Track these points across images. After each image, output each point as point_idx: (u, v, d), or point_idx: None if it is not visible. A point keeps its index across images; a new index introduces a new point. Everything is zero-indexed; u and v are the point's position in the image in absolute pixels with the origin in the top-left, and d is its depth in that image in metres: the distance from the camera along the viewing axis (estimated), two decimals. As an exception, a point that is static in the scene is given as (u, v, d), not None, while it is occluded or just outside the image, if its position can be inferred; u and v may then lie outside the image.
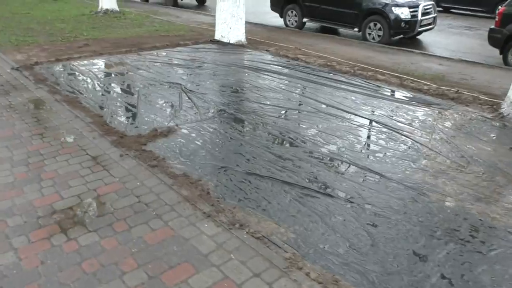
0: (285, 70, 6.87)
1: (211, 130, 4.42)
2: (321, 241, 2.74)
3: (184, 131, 4.38)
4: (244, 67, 7.00)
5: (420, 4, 10.22)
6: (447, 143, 4.29)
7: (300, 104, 5.27)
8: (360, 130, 4.55)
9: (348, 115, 4.95)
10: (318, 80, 6.34)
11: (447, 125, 4.78)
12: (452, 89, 6.21)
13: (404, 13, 9.98)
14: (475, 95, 5.99)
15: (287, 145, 4.13)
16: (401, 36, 10.43)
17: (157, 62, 7.13)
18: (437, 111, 5.20)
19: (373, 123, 4.76)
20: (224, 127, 4.50)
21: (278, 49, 8.64)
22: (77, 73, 6.34)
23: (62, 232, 2.73)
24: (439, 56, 8.91)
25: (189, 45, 8.60)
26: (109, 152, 3.82)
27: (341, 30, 11.71)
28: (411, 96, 5.80)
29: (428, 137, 4.41)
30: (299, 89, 5.86)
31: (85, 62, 7.00)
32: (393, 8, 10.02)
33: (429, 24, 10.69)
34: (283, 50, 8.59)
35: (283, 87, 5.92)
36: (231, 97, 5.47)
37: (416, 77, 6.89)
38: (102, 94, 5.45)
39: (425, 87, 6.28)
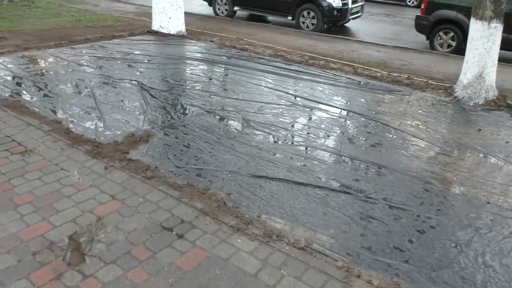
0: (240, 62, 6.62)
1: (193, 130, 4.06)
2: (361, 243, 2.64)
3: (164, 133, 3.97)
4: (196, 60, 6.61)
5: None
6: (425, 129, 4.44)
7: (272, 98, 5.09)
8: (342, 122, 4.53)
9: (324, 107, 4.90)
10: (278, 72, 6.21)
11: (416, 111, 4.96)
12: (403, 75, 6.49)
13: (335, 1, 10.21)
14: (424, 80, 6.32)
15: (279, 142, 3.95)
16: (333, 24, 10.73)
17: (97, 56, 6.43)
18: (401, 98, 5.38)
19: (351, 113, 4.76)
20: (205, 126, 4.17)
21: (221, 39, 8.33)
22: (6, 72, 5.44)
23: (71, 268, 2.27)
24: (374, 43, 9.30)
25: (125, 37, 7.90)
26: (89, 165, 3.30)
27: (272, 18, 11.67)
28: (372, 83, 5.94)
29: (406, 124, 4.53)
30: (264, 82, 5.67)
31: (11, 58, 6.05)
32: (326, -3, 10.20)
33: (358, 12, 11.12)
34: (227, 40, 8.30)
35: (246, 80, 5.69)
36: (197, 93, 5.10)
37: (363, 64, 7.09)
38: (49, 96, 4.73)
39: (378, 75, 6.49)
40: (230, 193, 3.06)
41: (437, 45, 9.09)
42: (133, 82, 5.31)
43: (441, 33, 8.99)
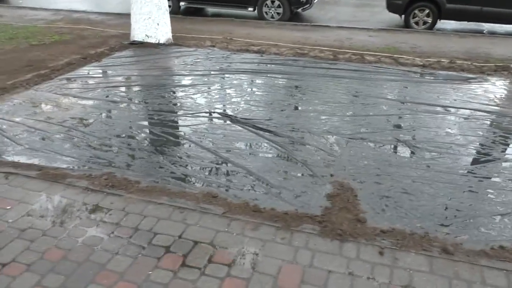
0: (282, 68, 5.77)
1: (389, 174, 3.26)
2: None
3: (357, 182, 3.10)
4: (235, 73, 5.52)
5: (309, -23, 10.14)
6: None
7: (383, 106, 4.46)
8: (476, 124, 4.10)
9: (435, 108, 4.42)
10: (337, 74, 5.54)
11: (517, 98, 4.80)
12: (443, 60, 6.35)
13: (300, -13, 9.71)
14: (466, 62, 6.25)
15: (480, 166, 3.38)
16: (297, 11, 10.21)
17: (115, 85, 4.95)
18: (487, 87, 5.15)
19: (473, 112, 4.37)
20: (385, 161, 3.38)
21: (213, 42, 7.28)
22: (35, 129, 3.80)
23: None
24: (358, 28, 9.07)
25: (111, 55, 6.33)
26: (353, 254, 2.35)
27: (214, 10, 10.73)
28: (438, 74, 5.64)
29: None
30: (344, 89, 4.98)
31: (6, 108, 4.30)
32: (291, -17, 9.62)
33: (318, -4, 10.79)
34: (222, 43, 7.28)
35: (327, 90, 4.93)
36: (309, 115, 4.19)
37: (381, 52, 6.80)
38: (141, 156, 3.39)
39: (420, 63, 6.23)
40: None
41: (413, 23, 9.22)
42: (215, 114, 4.17)
43: (416, 11, 9.12)
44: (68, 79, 5.16)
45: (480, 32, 9.24)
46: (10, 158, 3.34)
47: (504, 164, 3.35)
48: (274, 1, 9.80)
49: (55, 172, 3.11)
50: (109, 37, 7.58)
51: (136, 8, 6.55)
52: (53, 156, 3.37)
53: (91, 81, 5.09)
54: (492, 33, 9.12)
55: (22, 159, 3.33)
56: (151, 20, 6.60)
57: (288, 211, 2.71)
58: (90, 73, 5.41)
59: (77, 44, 7.02)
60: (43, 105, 4.36)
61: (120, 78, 5.20)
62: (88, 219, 2.64)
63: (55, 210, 2.73)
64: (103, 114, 4.16)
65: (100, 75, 5.33)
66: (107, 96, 4.59)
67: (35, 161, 3.31)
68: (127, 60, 5.97)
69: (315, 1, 10.47)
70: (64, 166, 3.23)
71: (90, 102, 4.46)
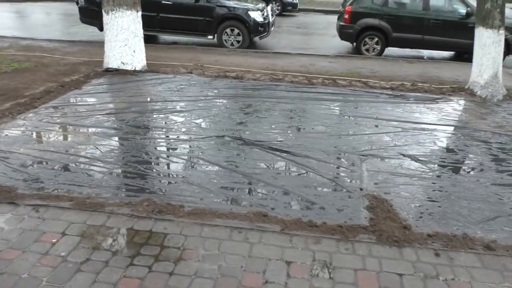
0: (268, 92, 5.99)
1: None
2: None
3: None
4: (229, 97, 5.66)
5: (265, 6, 10.66)
6: (519, 130, 4.94)
7: (376, 126, 4.83)
8: (460, 138, 4.61)
9: (420, 125, 4.86)
10: (320, 97, 5.88)
11: (488, 117, 5.41)
12: (405, 83, 7.00)
13: (257, 16, 10.15)
14: (426, 85, 6.95)
15: (476, 171, 3.82)
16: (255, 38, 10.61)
17: (113, 112, 4.84)
18: (455, 106, 5.76)
19: (453, 128, 4.89)
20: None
21: (189, 69, 7.35)
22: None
23: None
24: (317, 55, 9.65)
25: (90, 82, 6.14)
26: None
27: (167, 37, 10.85)
28: (407, 95, 6.20)
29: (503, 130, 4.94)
30: (334, 111, 5.32)
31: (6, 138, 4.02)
32: (249, 13, 10.02)
33: (273, 25, 11.30)
34: (196, 69, 7.38)
35: (319, 112, 5.22)
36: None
37: (346, 76, 7.33)
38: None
39: (387, 86, 6.80)
40: None
41: (364, 50, 10.02)
42: (226, 138, 4.25)
43: (366, 39, 9.94)
44: (54, 107, 4.94)
45: (421, 57, 10.27)
46: (30, 191, 3.15)
47: (498, 172, 3.80)
48: (233, 29, 10.10)
49: (92, 201, 3.00)
50: (75, 65, 7.33)
51: (111, 35, 6.45)
52: (77, 186, 3.23)
53: (81, 109, 4.92)
54: (431, 59, 10.19)
55: (45, 191, 3.15)
56: (127, 47, 6.54)
57: (340, 223, 2.87)
58: (76, 100, 5.22)
59: (45, 72, 6.71)
60: (40, 134, 4.14)
61: (110, 105, 5.08)
62: (148, 246, 2.59)
63: (108, 239, 2.64)
64: (110, 142, 4.05)
65: (88, 103, 5.17)
66: (106, 123, 4.46)
67: (61, 191, 3.15)
68: (110, 87, 5.84)
69: (272, 30, 10.93)
70: (95, 195, 3.11)
71: (90, 130, 4.32)
